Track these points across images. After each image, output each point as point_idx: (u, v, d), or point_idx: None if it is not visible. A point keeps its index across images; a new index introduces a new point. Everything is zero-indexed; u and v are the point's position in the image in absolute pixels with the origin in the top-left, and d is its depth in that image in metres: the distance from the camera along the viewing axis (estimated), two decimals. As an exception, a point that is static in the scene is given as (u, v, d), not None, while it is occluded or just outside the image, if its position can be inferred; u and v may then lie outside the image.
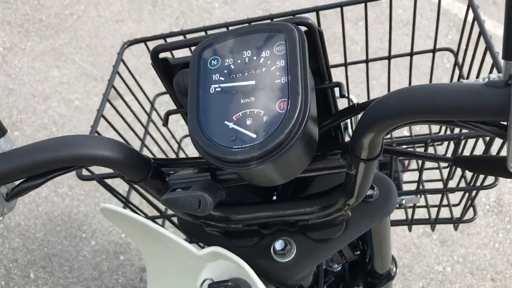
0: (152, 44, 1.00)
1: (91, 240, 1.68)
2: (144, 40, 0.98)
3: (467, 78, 0.86)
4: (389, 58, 0.97)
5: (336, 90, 0.54)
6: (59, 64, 2.19)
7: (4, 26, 2.34)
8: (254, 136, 0.42)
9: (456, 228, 0.89)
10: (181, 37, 1.00)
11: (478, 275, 1.60)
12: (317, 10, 0.90)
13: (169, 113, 0.58)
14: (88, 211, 1.74)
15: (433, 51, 0.94)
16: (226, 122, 0.44)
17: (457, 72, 0.92)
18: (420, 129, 1.74)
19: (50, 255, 1.66)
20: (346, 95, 0.50)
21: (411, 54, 0.96)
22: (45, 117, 2.00)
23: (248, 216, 0.59)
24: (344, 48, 0.96)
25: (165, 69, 0.55)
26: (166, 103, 1.91)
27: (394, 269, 0.85)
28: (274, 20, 0.86)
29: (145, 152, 0.98)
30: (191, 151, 1.48)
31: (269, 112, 0.43)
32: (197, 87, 0.46)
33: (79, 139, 0.46)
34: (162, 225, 0.95)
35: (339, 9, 0.90)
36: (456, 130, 0.98)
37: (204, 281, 0.58)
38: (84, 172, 0.78)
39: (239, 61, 0.47)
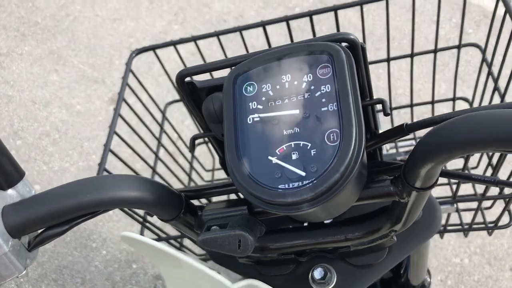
0: (160, 52, 0.96)
1: (102, 250, 1.64)
2: (153, 48, 0.93)
3: (498, 76, 0.82)
4: (411, 55, 0.92)
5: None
6: (58, 68, 2.13)
7: (0, 31, 2.28)
8: (302, 174, 0.38)
9: (490, 234, 0.85)
10: (193, 43, 0.94)
11: (496, 265, 1.57)
12: (335, 9, 0.85)
13: (195, 138, 0.54)
14: (97, 220, 1.69)
15: (458, 47, 0.89)
16: (269, 157, 0.39)
17: (484, 69, 0.87)
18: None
19: (61, 267, 1.62)
20: (390, 113, 0.45)
21: (435, 51, 0.91)
22: (47, 124, 1.95)
23: (286, 244, 0.55)
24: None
25: (191, 93, 0.50)
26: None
27: (429, 279, 0.81)
28: (294, 19, 0.80)
29: (160, 166, 0.94)
30: (204, 161, 1.43)
31: (317, 145, 0.38)
32: (234, 118, 0.42)
33: (105, 181, 0.42)
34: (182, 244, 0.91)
35: None
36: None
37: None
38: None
39: (278, 87, 0.42)
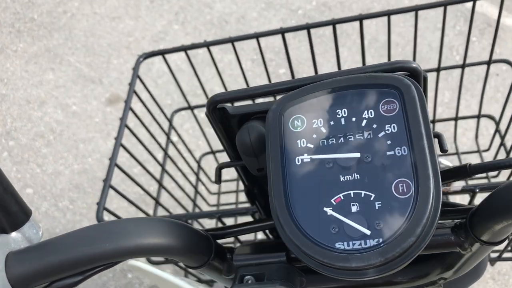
0: (169, 57, 0.90)
1: (97, 258, 1.58)
2: (162, 53, 0.86)
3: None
4: (438, 70, 0.87)
5: None
6: (54, 67, 2.05)
7: (-7, 26, 2.20)
8: (367, 232, 0.31)
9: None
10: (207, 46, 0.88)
11: (500, 280, 1.53)
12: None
13: (221, 167, 0.48)
14: (92, 226, 1.63)
15: (488, 63, 0.84)
16: (324, 208, 0.33)
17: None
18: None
19: (54, 276, 1.55)
20: (447, 149, 0.39)
21: (463, 66, 0.86)
22: (42, 124, 1.88)
23: (322, 287, 0.49)
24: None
25: (222, 119, 0.44)
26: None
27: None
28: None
29: (167, 179, 0.88)
30: (209, 170, 1.37)
31: (382, 196, 0.32)
32: (281, 158, 0.35)
33: (126, 226, 0.36)
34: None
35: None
36: None
37: None
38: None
39: (331, 123, 0.36)
